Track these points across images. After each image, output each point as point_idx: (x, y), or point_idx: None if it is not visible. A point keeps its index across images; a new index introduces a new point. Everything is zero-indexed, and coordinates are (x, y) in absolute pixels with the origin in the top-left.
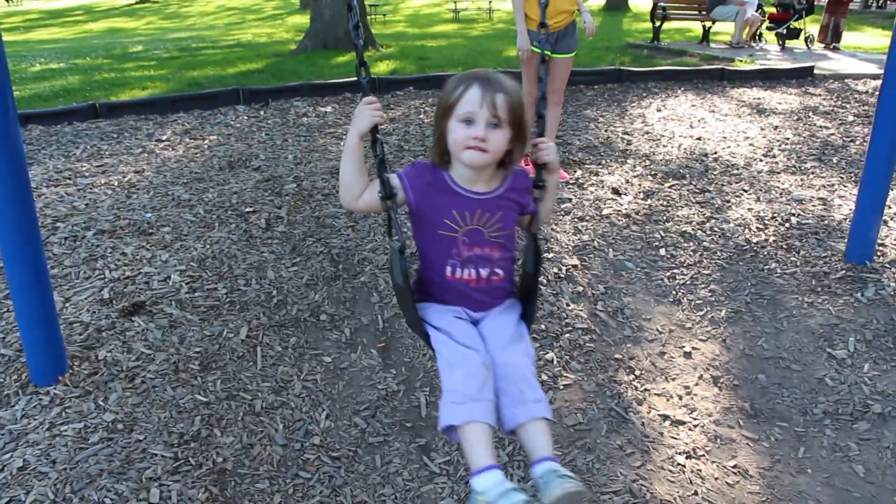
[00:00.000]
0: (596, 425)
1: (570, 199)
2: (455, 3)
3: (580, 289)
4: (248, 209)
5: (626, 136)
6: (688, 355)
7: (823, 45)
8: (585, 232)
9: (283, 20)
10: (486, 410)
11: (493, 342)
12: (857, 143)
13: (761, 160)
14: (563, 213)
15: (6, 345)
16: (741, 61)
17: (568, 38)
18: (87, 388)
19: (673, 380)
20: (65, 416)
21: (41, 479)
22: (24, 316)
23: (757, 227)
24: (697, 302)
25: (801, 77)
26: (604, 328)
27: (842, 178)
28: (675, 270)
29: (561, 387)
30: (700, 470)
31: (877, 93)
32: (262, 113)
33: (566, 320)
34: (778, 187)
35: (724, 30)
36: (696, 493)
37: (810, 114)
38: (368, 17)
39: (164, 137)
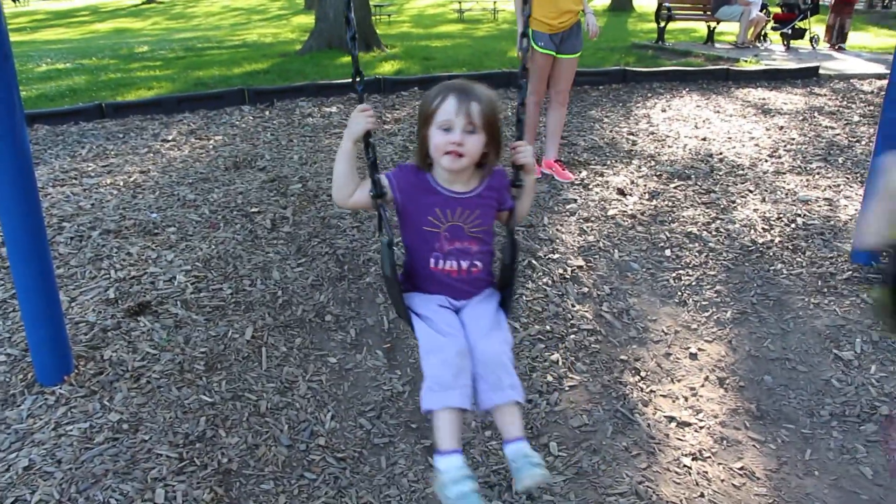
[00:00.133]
0: (601, 426)
1: (576, 200)
2: (460, 3)
3: (585, 290)
4: (253, 209)
5: (631, 137)
6: (693, 356)
7: (830, 46)
8: (591, 233)
9: (288, 20)
10: (461, 396)
11: (473, 330)
12: (863, 143)
13: (767, 160)
14: (568, 213)
15: (12, 344)
16: (746, 61)
17: (573, 38)
18: (92, 387)
19: (679, 381)
20: (70, 416)
21: (46, 479)
22: (30, 316)
23: (763, 228)
24: (703, 303)
25: (807, 77)
26: (609, 329)
27: (847, 178)
28: (681, 271)
29: (566, 388)
30: (706, 472)
31: (882, 93)
32: (267, 113)
33: (571, 321)
34: (783, 188)
35: (729, 30)
36: (702, 495)
37: (816, 114)
38: (373, 18)
39: (170, 137)
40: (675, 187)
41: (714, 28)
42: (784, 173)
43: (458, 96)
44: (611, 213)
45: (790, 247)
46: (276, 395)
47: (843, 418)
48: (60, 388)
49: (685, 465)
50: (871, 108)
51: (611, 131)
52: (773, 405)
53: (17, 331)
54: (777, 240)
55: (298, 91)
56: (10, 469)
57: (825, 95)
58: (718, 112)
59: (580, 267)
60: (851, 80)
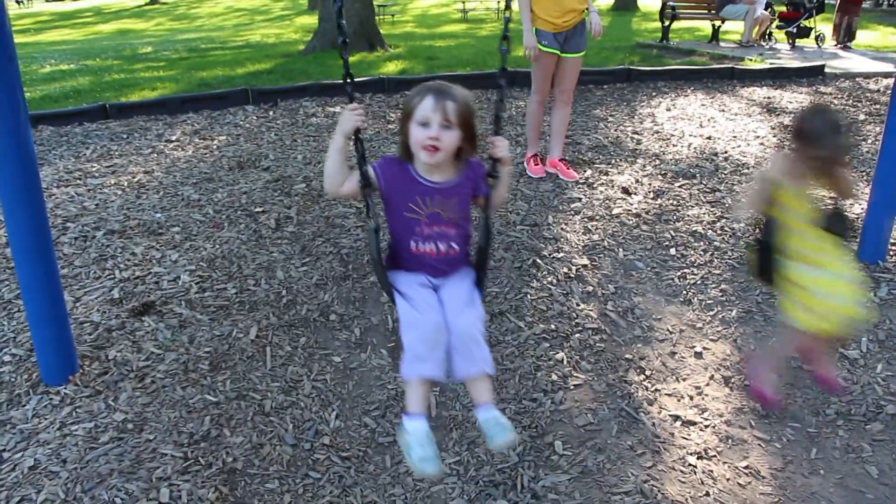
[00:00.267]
0: (606, 425)
1: (580, 199)
2: (463, 3)
3: (590, 289)
4: (257, 209)
5: (635, 136)
6: (699, 355)
7: (837, 44)
8: (595, 232)
9: (291, 21)
10: (433, 368)
11: (449, 307)
12: (869, 142)
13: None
14: (572, 212)
15: (17, 344)
16: (751, 60)
17: (577, 37)
18: (97, 387)
19: (684, 380)
20: (75, 416)
21: (52, 479)
22: (35, 316)
23: None
24: (708, 302)
25: (812, 76)
26: (614, 328)
27: (853, 177)
28: (686, 270)
29: (571, 387)
30: (712, 470)
31: (888, 91)
32: (271, 113)
33: (576, 320)
34: None
35: (734, 29)
36: (707, 494)
37: None
38: (377, 18)
39: (174, 138)
40: (679, 186)
41: (719, 27)
42: None
43: (435, 95)
44: (615, 211)
45: None
46: (281, 395)
47: (848, 417)
48: (65, 388)
49: (690, 464)
50: (878, 106)
51: (615, 130)
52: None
53: (22, 331)
54: None
55: (302, 91)
56: (15, 468)
57: (831, 94)
58: (723, 111)
59: (585, 266)
60: (857, 79)
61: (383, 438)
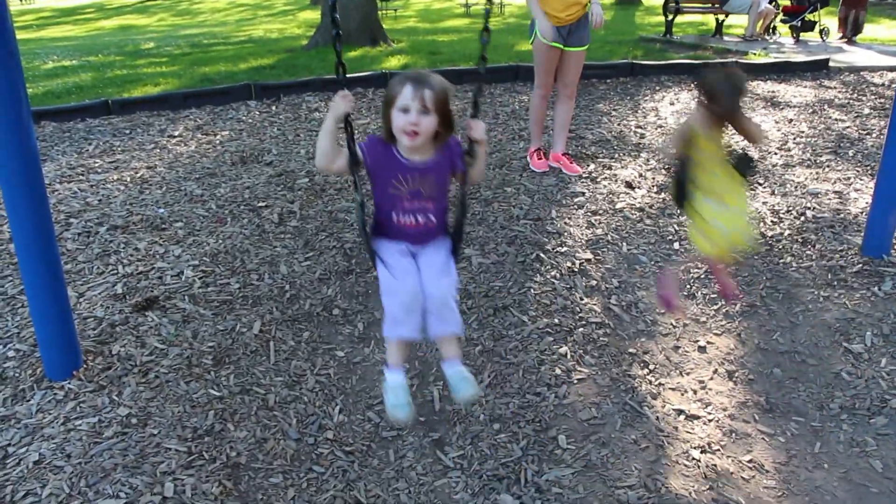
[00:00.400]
0: (610, 419)
1: (584, 193)
2: None
3: (594, 283)
4: (260, 204)
5: (639, 130)
6: (702, 349)
7: (844, 39)
8: (599, 226)
9: (294, 16)
10: (411, 330)
11: (426, 274)
12: (874, 135)
13: (776, 153)
14: (576, 207)
15: (21, 340)
16: (755, 54)
17: (580, 31)
18: (101, 382)
19: (687, 374)
20: (79, 411)
21: (56, 473)
22: (39, 311)
23: (772, 221)
24: (712, 296)
25: (816, 70)
26: (618, 322)
27: (858, 171)
28: (690, 264)
29: (575, 381)
30: (715, 465)
31: (893, 85)
32: (273, 108)
33: (580, 314)
34: (793, 181)
35: (738, 23)
36: (711, 488)
37: (825, 107)
38: (380, 13)
39: (177, 133)
40: None
41: (722, 21)
42: (793, 166)
43: (414, 84)
44: (619, 206)
45: (800, 240)
46: (285, 389)
47: (852, 411)
48: (69, 383)
49: (694, 458)
50: (882, 100)
51: (619, 125)
52: (782, 398)
53: (26, 326)
54: (787, 233)
55: (305, 86)
56: (20, 463)
57: (835, 88)
58: None
59: (588, 260)
60: (862, 73)
61: (387, 433)
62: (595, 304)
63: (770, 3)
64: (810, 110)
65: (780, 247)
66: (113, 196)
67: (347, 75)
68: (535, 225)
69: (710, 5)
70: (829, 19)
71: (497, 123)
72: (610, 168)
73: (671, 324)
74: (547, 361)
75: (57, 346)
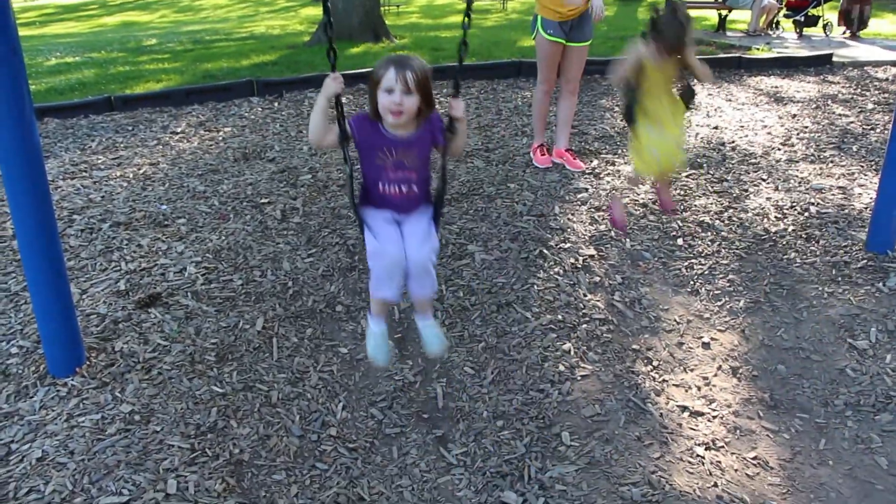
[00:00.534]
0: (614, 416)
1: (587, 189)
2: None
3: (597, 279)
4: (263, 200)
5: None
6: (706, 346)
7: (845, 33)
8: (602, 222)
9: (296, 12)
10: (392, 292)
11: (409, 240)
12: (878, 131)
13: (779, 149)
14: (579, 202)
15: (24, 336)
16: (758, 49)
17: (583, 26)
18: (104, 379)
19: (691, 370)
20: (82, 408)
21: (60, 470)
22: (42, 308)
23: (776, 217)
24: (716, 292)
25: (820, 65)
26: (621, 318)
27: (862, 166)
28: (693, 260)
29: (578, 377)
30: (720, 461)
31: None
32: (276, 104)
33: (583, 311)
34: (797, 176)
35: (741, 18)
36: (715, 485)
37: (829, 102)
38: (382, 9)
39: (179, 130)
40: (686, 176)
41: (725, 16)
42: (797, 162)
43: (397, 66)
44: (623, 201)
45: (804, 235)
46: (288, 386)
47: (857, 408)
48: (72, 380)
49: (698, 455)
50: (886, 95)
51: (622, 120)
52: (786, 395)
53: (29, 323)
54: (790, 228)
55: (307, 82)
56: (24, 460)
57: (839, 83)
58: (730, 100)
59: (592, 256)
60: (865, 68)
61: (390, 429)
62: (598, 301)
63: None
64: (814, 106)
65: (784, 243)
66: (116, 193)
67: (352, 71)
68: (538, 221)
69: (713, 0)
70: (832, 14)
71: (500, 119)
72: (613, 164)
73: (675, 320)
74: (550, 358)
75: (60, 343)
